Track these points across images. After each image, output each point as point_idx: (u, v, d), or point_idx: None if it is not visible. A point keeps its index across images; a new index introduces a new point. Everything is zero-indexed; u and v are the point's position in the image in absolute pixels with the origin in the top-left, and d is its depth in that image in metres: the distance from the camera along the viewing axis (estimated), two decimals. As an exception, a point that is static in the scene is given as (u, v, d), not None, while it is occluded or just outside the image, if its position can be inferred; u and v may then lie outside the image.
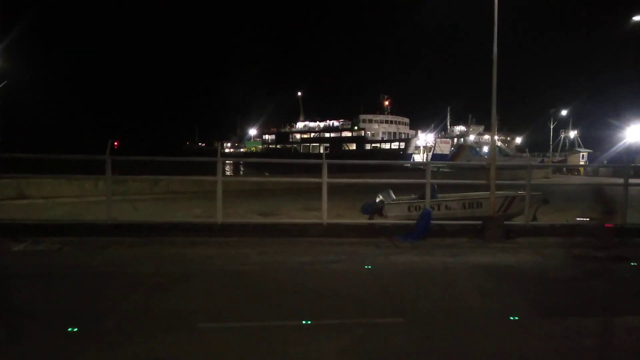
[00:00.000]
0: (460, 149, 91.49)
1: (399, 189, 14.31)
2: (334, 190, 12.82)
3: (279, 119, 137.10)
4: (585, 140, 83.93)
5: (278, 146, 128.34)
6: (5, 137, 35.98)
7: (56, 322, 5.48)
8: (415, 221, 11.32)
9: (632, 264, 9.08)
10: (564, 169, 51.88)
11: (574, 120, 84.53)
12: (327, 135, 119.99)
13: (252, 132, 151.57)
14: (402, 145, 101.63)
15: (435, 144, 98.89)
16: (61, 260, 8.50)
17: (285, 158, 50.20)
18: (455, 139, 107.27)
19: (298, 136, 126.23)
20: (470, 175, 27.11)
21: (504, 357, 4.94)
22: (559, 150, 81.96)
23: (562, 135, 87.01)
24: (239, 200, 16.74)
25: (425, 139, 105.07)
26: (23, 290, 6.80)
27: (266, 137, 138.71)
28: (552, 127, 66.11)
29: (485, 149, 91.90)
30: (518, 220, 12.23)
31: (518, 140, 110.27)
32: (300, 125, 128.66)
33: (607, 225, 9.08)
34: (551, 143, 69.55)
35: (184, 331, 5.34)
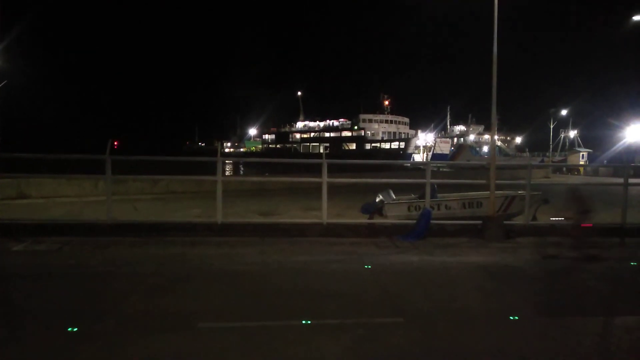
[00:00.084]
0: (460, 149, 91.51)
1: (399, 189, 14.31)
2: (333, 190, 12.82)
3: (279, 119, 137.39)
4: (585, 140, 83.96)
5: (278, 146, 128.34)
6: (5, 137, 35.93)
7: (56, 322, 5.48)
8: (415, 221, 11.33)
9: (632, 263, 9.14)
10: (564, 169, 51.82)
11: (574, 120, 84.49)
12: (327, 135, 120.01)
13: (252, 131, 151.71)
14: (402, 145, 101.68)
15: (435, 143, 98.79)
16: (61, 260, 8.50)
17: (285, 158, 50.20)
18: (455, 139, 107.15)
19: (298, 136, 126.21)
20: (470, 175, 27.10)
21: (504, 356, 4.95)
22: (558, 150, 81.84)
23: (562, 135, 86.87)
24: (239, 200, 16.72)
25: (425, 138, 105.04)
26: (23, 290, 6.80)
27: (266, 136, 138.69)
28: (552, 126, 66.12)
29: (485, 148, 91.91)
30: (518, 220, 12.25)
31: (518, 140, 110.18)
32: (300, 125, 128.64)
33: (583, 225, 9.11)
34: (551, 143, 69.57)
35: (184, 331, 5.34)
